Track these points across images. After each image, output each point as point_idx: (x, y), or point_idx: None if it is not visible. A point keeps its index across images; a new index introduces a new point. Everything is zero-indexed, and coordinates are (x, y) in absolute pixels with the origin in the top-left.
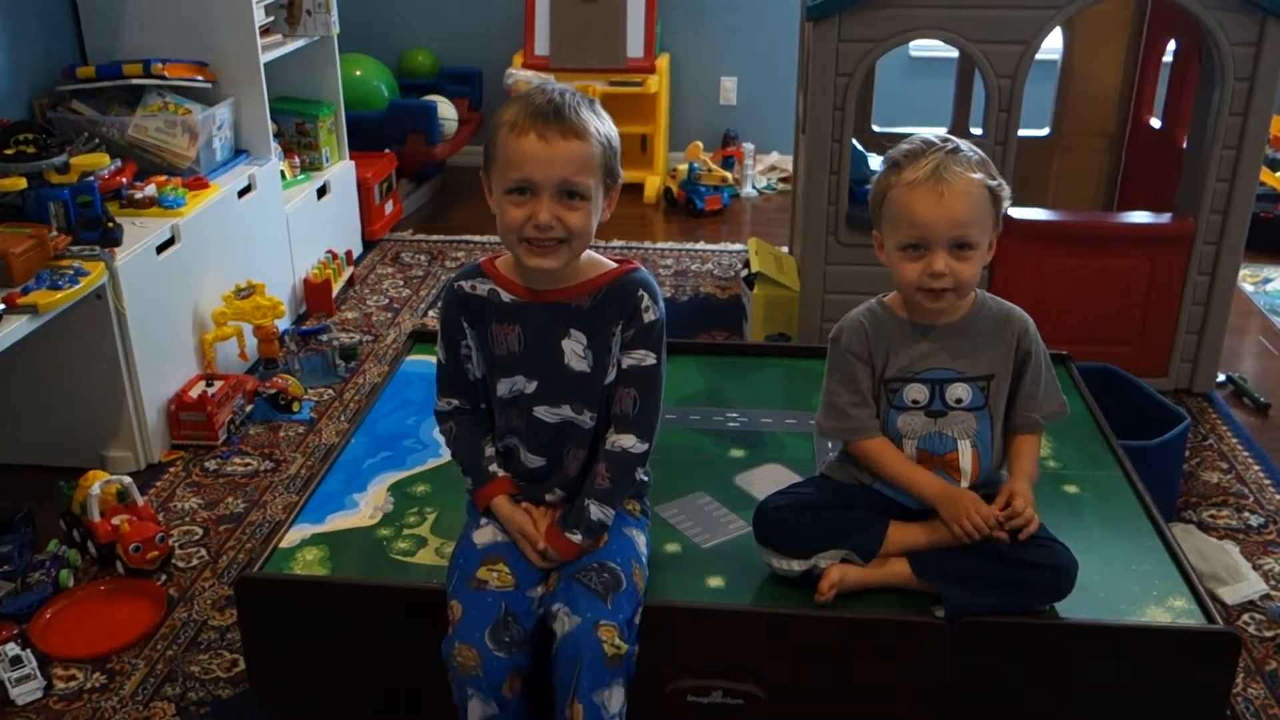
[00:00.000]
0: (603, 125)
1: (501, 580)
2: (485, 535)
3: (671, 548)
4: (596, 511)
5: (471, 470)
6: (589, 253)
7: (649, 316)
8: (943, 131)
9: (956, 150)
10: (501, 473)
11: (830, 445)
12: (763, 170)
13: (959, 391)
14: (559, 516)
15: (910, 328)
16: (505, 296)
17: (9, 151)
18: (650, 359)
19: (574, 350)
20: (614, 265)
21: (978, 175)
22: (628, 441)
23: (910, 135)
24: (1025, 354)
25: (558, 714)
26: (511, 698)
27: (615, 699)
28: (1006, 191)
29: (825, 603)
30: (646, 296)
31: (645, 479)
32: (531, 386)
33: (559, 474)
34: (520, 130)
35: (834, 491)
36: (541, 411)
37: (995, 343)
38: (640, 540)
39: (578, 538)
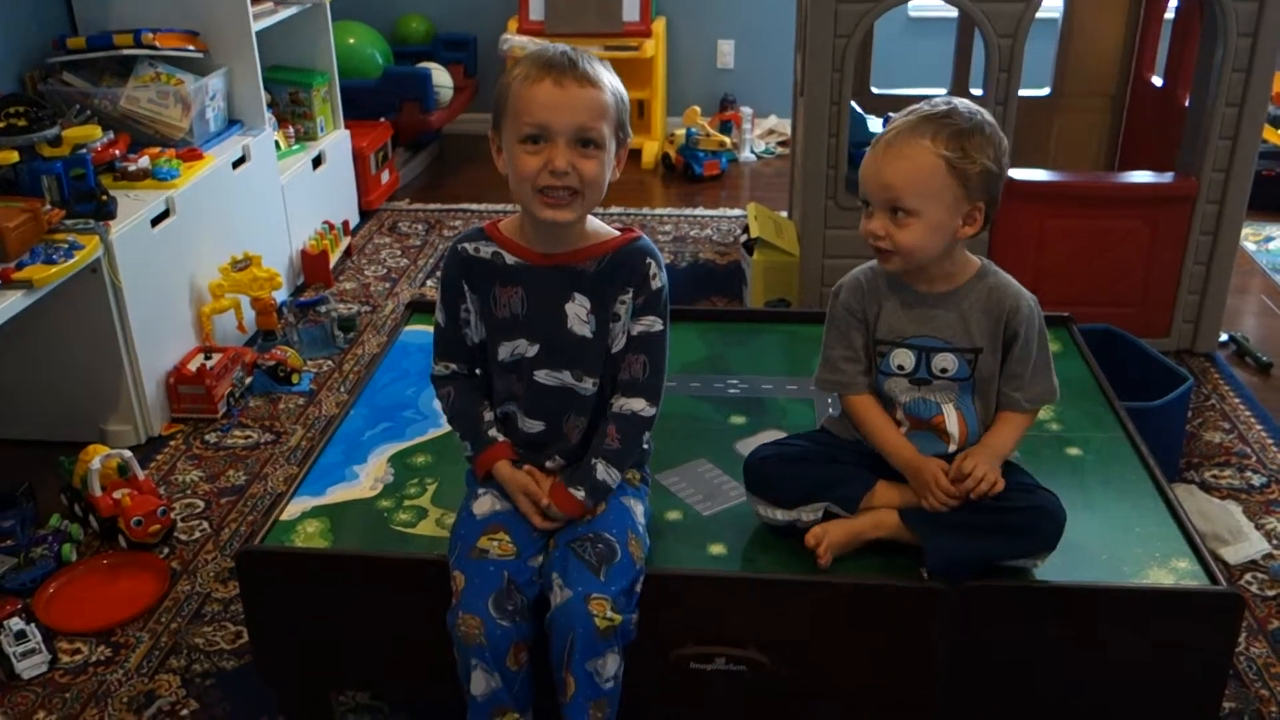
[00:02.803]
0: (613, 78)
1: (503, 549)
2: (484, 505)
3: (672, 515)
4: (603, 471)
5: (470, 435)
6: (592, 219)
7: (656, 283)
8: (942, 93)
9: (934, 116)
10: (501, 438)
11: (830, 402)
12: (761, 134)
13: (944, 361)
14: (564, 474)
15: (904, 291)
16: (509, 259)
17: (0, 125)
18: (658, 325)
19: (577, 314)
20: (617, 233)
21: (932, 144)
22: (637, 405)
23: (907, 96)
24: (1014, 334)
25: (555, 683)
26: (518, 670)
27: (609, 665)
28: (982, 167)
29: (826, 566)
30: (654, 264)
31: (646, 447)
32: (533, 350)
33: (559, 441)
34: (535, 79)
35: (828, 445)
36: (542, 375)
37: (985, 317)
38: (638, 510)
39: (581, 494)
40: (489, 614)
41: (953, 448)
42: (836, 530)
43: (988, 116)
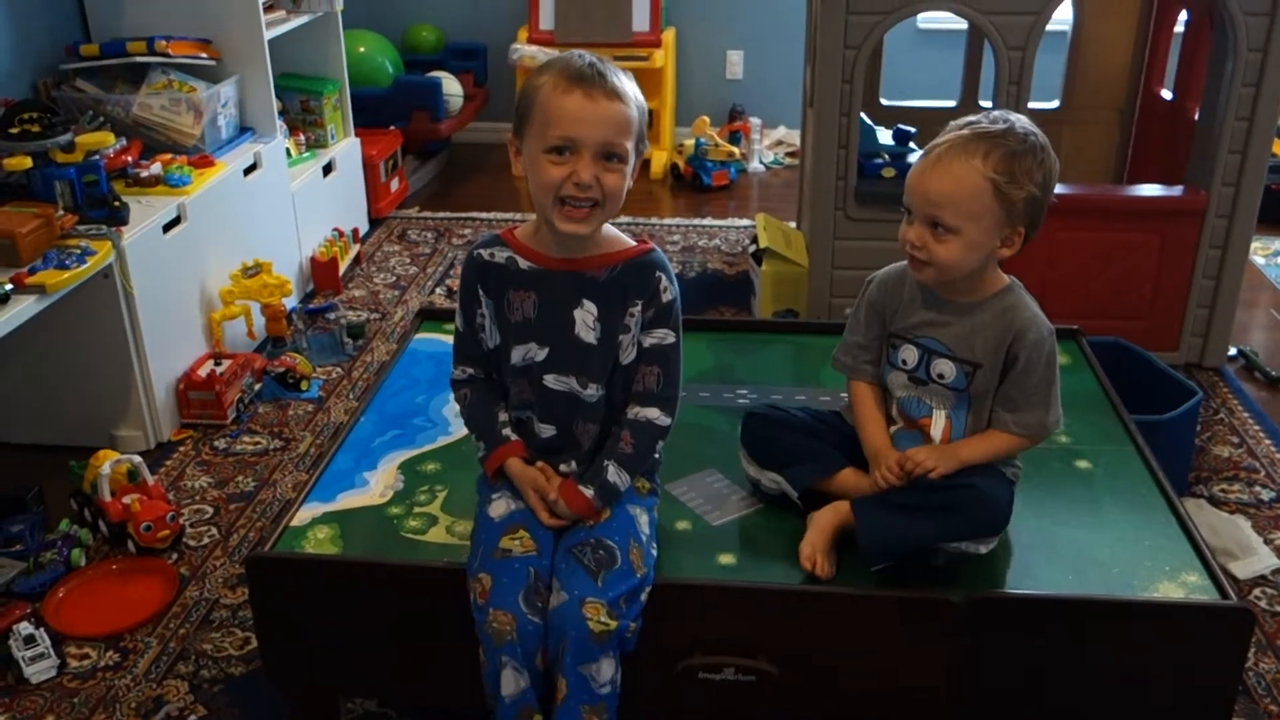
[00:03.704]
0: (636, 91)
1: (525, 546)
2: (500, 507)
3: (681, 525)
4: (614, 473)
5: (485, 435)
6: (608, 226)
7: (667, 296)
8: (951, 105)
9: (988, 135)
10: (514, 437)
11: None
12: (770, 145)
13: (943, 367)
14: (577, 474)
15: (924, 294)
16: (523, 264)
17: (14, 131)
18: (671, 337)
19: (584, 321)
20: (631, 243)
21: (981, 164)
22: (653, 413)
23: (917, 108)
24: (1014, 357)
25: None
26: (542, 671)
27: (604, 670)
28: (1028, 194)
29: (829, 576)
30: (664, 277)
31: (657, 456)
32: (542, 354)
33: (572, 447)
34: (565, 89)
35: (830, 426)
36: (550, 380)
37: (992, 335)
38: (644, 519)
39: (590, 492)
40: (520, 609)
41: None
42: (817, 537)
43: (1043, 139)
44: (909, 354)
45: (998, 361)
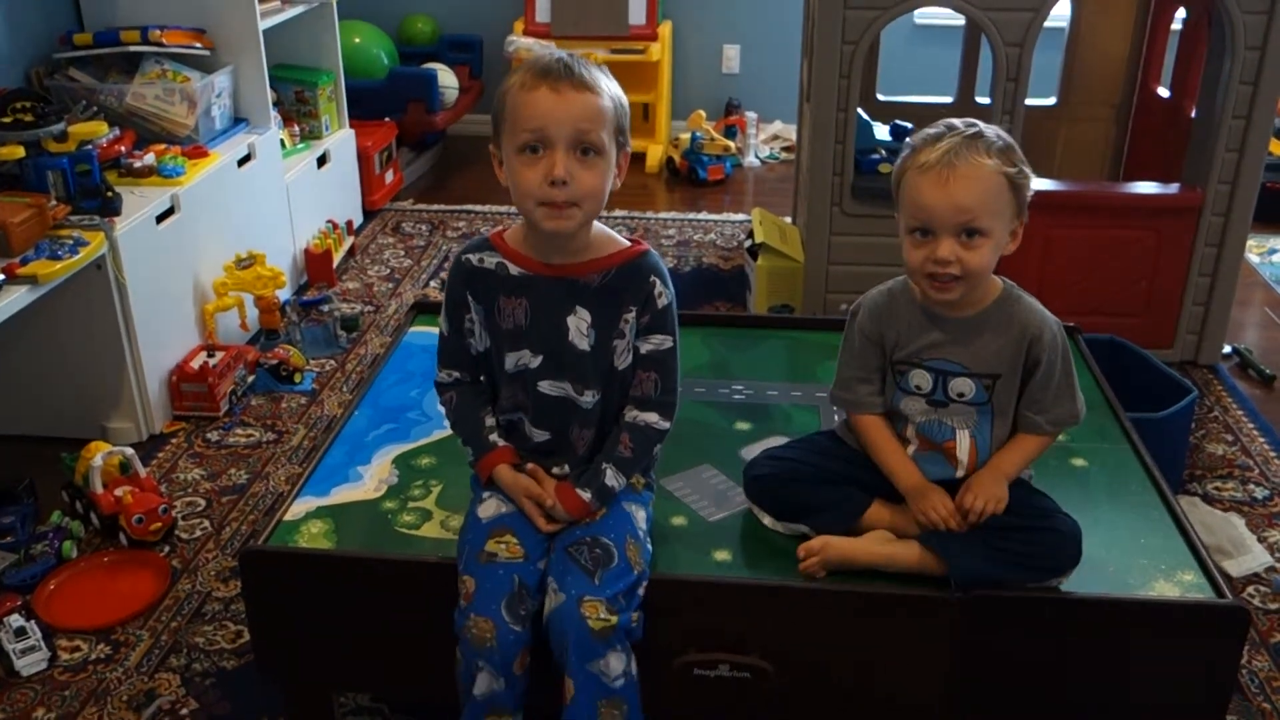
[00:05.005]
0: (611, 84)
1: (511, 551)
2: (489, 509)
3: (677, 521)
4: (612, 477)
5: (472, 441)
6: (602, 227)
7: (662, 302)
8: (948, 101)
9: (978, 135)
10: (502, 443)
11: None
12: (766, 139)
13: (962, 386)
14: (571, 477)
15: (923, 314)
16: (514, 269)
17: (6, 120)
18: (668, 342)
19: (578, 327)
20: (625, 244)
21: (992, 161)
22: (651, 418)
23: (913, 104)
24: (1036, 360)
25: (557, 687)
26: (521, 675)
27: (614, 664)
28: (1029, 180)
29: (812, 575)
30: (658, 282)
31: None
32: (537, 361)
33: (566, 451)
34: (530, 86)
35: (831, 455)
36: (545, 386)
37: (1007, 343)
38: (640, 516)
39: (587, 495)
40: (502, 618)
41: (960, 473)
42: (837, 549)
43: (1007, 135)
44: (921, 379)
45: (1017, 367)
